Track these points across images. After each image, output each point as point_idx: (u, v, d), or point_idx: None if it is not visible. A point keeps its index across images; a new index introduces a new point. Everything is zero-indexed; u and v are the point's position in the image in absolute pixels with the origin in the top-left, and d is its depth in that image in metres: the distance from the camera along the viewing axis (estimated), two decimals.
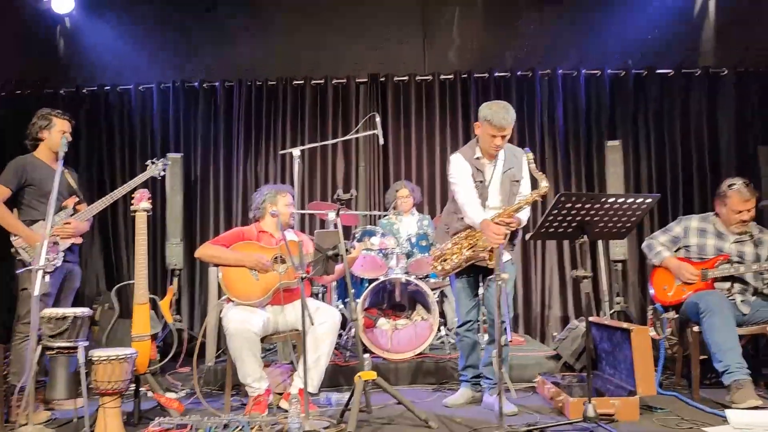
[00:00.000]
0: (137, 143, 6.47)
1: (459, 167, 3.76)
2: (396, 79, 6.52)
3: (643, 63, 6.42)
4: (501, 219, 3.50)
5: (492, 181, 3.74)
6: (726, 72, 6.39)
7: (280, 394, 3.92)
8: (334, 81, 6.53)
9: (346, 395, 3.62)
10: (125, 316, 4.96)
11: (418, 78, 6.51)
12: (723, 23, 6.46)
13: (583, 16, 6.51)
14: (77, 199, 4.07)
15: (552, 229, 3.26)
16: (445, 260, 3.85)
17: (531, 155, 3.45)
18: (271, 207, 4.04)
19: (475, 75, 6.45)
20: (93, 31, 6.53)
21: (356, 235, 5.03)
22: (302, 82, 6.52)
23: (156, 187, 6.02)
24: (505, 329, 3.62)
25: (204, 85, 6.52)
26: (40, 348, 3.29)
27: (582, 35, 6.50)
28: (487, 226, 3.45)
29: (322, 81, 6.53)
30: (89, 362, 3.26)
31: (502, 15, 6.65)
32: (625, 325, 3.81)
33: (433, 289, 4.94)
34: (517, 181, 3.75)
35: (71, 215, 3.97)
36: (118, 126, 6.49)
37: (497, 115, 3.55)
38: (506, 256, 3.75)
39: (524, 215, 3.70)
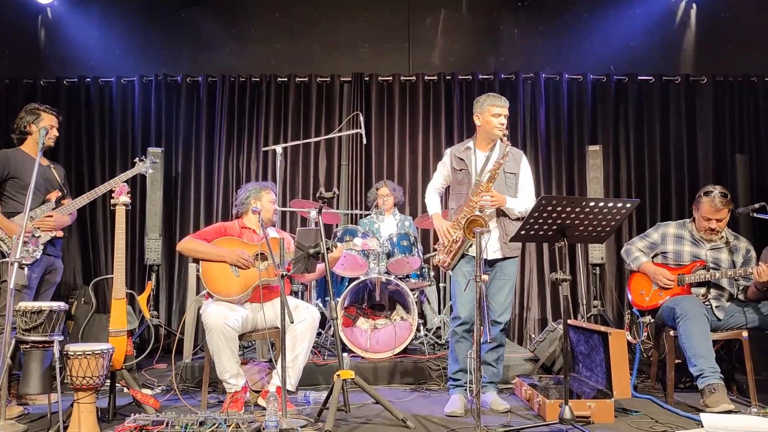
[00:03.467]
0: (117, 136, 6.40)
1: (441, 162, 4.11)
2: (380, 78, 6.52)
3: (625, 69, 6.51)
4: (478, 188, 3.74)
5: (485, 169, 3.84)
6: (705, 80, 6.50)
7: (258, 392, 3.90)
8: (319, 79, 6.51)
9: (324, 394, 3.62)
10: (102, 310, 4.93)
11: (402, 78, 6.52)
12: (703, 32, 6.59)
13: (566, 22, 6.60)
14: (60, 194, 4.02)
15: (532, 232, 3.28)
16: (445, 248, 3.89)
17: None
18: (255, 203, 4.02)
19: (459, 77, 6.47)
20: (75, 23, 6.46)
21: (337, 234, 5.03)
22: (286, 79, 6.50)
23: (136, 181, 5.97)
24: (491, 330, 3.72)
25: (187, 80, 6.46)
26: (14, 342, 3.24)
27: (565, 40, 6.59)
28: (436, 219, 3.98)
29: (306, 79, 6.51)
30: (64, 357, 3.22)
31: (486, 18, 6.71)
32: (602, 328, 3.85)
33: (413, 290, 4.95)
34: (513, 173, 3.88)
35: (54, 209, 3.93)
36: (98, 118, 6.41)
37: (493, 96, 3.87)
38: (494, 246, 3.80)
39: (514, 204, 3.80)
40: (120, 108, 6.44)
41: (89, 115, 6.41)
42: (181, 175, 6.42)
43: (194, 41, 6.60)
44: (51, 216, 3.89)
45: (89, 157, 6.37)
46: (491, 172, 3.74)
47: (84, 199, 4.00)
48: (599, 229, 3.33)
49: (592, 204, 3.19)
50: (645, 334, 4.23)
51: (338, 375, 3.34)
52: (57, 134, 4.06)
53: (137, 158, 4.21)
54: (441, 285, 5.66)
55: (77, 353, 3.20)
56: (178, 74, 6.46)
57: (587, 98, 6.49)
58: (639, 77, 6.48)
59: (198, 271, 3.85)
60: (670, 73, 6.51)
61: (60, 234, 4.00)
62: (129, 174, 4.07)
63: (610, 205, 3.20)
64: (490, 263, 3.84)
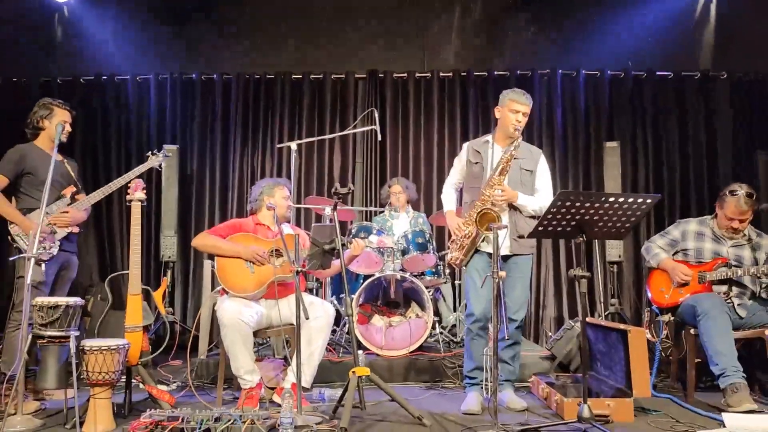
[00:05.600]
0: (133, 134, 6.44)
1: (458, 156, 4.07)
2: (395, 75, 6.50)
3: (642, 65, 6.42)
4: (490, 182, 3.68)
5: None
6: (725, 75, 6.40)
7: (273, 388, 3.88)
8: (333, 76, 6.50)
9: (339, 391, 3.60)
10: (118, 307, 4.93)
11: (417, 75, 6.49)
12: (722, 28, 6.48)
13: (583, 17, 6.51)
14: (75, 189, 4.03)
15: (551, 228, 3.24)
16: (457, 245, 3.85)
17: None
18: (268, 199, 4.01)
19: (474, 74, 6.43)
20: (91, 21, 6.50)
21: (352, 231, 5.00)
22: (300, 76, 6.50)
23: (151, 178, 5.99)
24: (508, 327, 3.68)
25: (202, 78, 6.48)
26: (30, 337, 3.25)
27: (582, 36, 6.50)
28: (449, 216, 3.96)
29: (320, 76, 6.51)
30: (81, 352, 3.22)
31: (501, 14, 6.64)
32: (621, 326, 3.79)
33: (427, 287, 4.92)
34: (529, 171, 3.84)
35: (69, 204, 3.94)
36: (114, 116, 6.45)
37: (518, 92, 3.80)
38: (505, 242, 3.70)
39: (527, 201, 3.74)
40: (136, 105, 6.48)
41: (105, 113, 6.45)
42: (197, 171, 6.43)
43: (209, 40, 6.61)
44: (67, 212, 3.91)
45: (105, 154, 6.41)
46: (502, 164, 3.68)
47: (99, 194, 4.01)
48: (618, 225, 3.27)
49: (612, 199, 3.13)
50: (665, 332, 4.17)
51: (353, 372, 3.32)
52: (70, 129, 4.02)
53: (150, 152, 4.18)
54: (456, 282, 5.62)
55: (93, 348, 3.20)
56: (193, 72, 6.48)
57: (605, 94, 6.42)
58: (657, 73, 6.40)
59: (213, 267, 3.84)
60: (688, 68, 6.42)
61: (76, 230, 4.01)
62: (142, 168, 4.04)
63: (630, 200, 3.14)
64: (502, 259, 3.77)
